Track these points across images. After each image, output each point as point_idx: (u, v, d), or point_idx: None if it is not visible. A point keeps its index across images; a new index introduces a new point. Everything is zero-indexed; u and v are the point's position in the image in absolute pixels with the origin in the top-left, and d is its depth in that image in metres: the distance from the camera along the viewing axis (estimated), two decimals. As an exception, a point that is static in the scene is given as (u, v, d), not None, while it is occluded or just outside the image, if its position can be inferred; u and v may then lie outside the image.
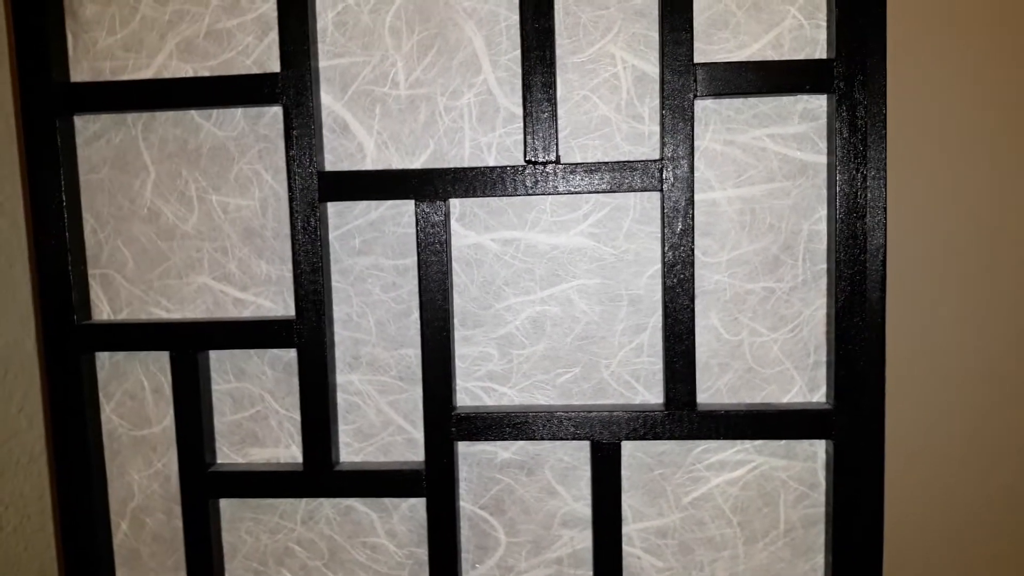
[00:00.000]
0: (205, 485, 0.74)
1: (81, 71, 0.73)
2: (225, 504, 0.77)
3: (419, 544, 0.75)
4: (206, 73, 0.72)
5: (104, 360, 0.76)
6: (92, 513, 0.75)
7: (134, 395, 0.76)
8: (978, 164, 0.73)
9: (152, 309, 0.75)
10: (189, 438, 0.74)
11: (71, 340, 0.73)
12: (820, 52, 0.68)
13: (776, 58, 0.68)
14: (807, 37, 0.68)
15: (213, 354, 0.75)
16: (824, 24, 0.68)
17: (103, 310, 0.75)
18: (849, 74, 0.66)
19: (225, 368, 0.75)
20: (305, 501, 0.76)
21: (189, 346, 0.72)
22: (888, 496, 0.69)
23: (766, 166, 0.70)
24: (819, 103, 0.69)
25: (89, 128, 0.74)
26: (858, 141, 0.66)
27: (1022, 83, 0.72)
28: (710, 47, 0.69)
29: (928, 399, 0.75)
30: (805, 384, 0.71)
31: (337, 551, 0.76)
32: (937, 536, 0.77)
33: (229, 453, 0.76)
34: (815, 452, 0.72)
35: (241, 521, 0.77)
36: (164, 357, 0.75)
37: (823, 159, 0.69)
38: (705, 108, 0.69)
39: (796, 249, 0.70)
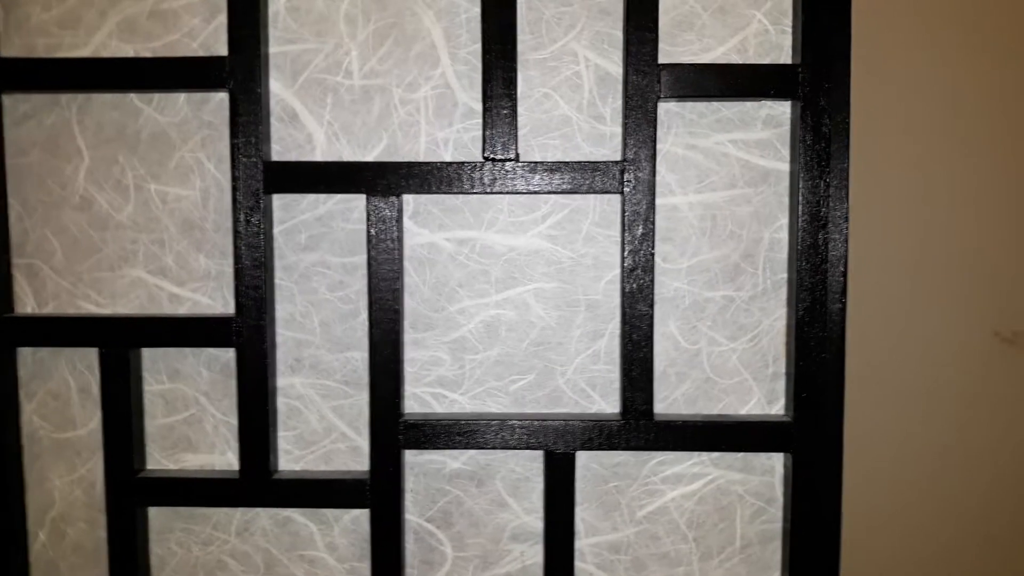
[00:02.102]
0: (133, 492, 0.69)
1: (11, 47, 0.68)
2: (154, 513, 0.72)
3: (361, 559, 0.71)
4: (148, 55, 0.68)
5: (27, 357, 0.71)
6: (7, 522, 0.70)
7: (58, 395, 0.71)
8: (942, 175, 0.73)
9: (81, 303, 0.70)
10: (117, 442, 0.69)
11: (-10, 334, 0.68)
12: (785, 58, 0.67)
13: (741, 62, 0.67)
14: (772, 42, 0.67)
15: (146, 352, 0.70)
16: (790, 30, 0.67)
17: (27, 303, 0.70)
18: (814, 80, 0.65)
19: (158, 368, 0.71)
20: (241, 511, 0.71)
21: (120, 343, 0.68)
22: (845, 512, 0.68)
23: (728, 172, 0.68)
24: (783, 109, 0.68)
25: (18, 108, 0.69)
26: (822, 149, 0.65)
27: (988, 92, 0.72)
28: (674, 48, 0.67)
29: (888, 413, 0.74)
30: (763, 396, 0.70)
31: (273, 565, 0.72)
32: (896, 552, 0.76)
33: (160, 459, 0.72)
34: (773, 466, 0.70)
35: (171, 532, 0.72)
36: (92, 354, 0.70)
37: (785, 167, 0.68)
38: (668, 111, 0.68)
39: (757, 257, 0.69)
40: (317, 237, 0.69)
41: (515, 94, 0.65)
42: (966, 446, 0.75)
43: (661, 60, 0.66)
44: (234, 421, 0.70)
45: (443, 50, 0.68)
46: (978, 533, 0.76)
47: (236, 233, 0.66)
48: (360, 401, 0.70)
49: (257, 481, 0.69)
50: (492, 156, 0.66)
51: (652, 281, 0.66)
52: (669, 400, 0.70)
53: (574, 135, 0.68)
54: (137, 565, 0.70)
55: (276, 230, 0.69)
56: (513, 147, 0.66)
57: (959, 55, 0.72)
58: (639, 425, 0.67)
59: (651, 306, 0.66)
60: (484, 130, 0.66)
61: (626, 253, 0.66)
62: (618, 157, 0.68)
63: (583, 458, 0.70)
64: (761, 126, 0.68)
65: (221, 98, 0.68)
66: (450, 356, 0.70)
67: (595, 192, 0.66)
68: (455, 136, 0.68)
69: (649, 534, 0.71)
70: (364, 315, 0.69)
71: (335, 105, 0.68)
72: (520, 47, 0.67)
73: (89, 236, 0.70)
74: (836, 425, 0.67)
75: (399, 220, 0.67)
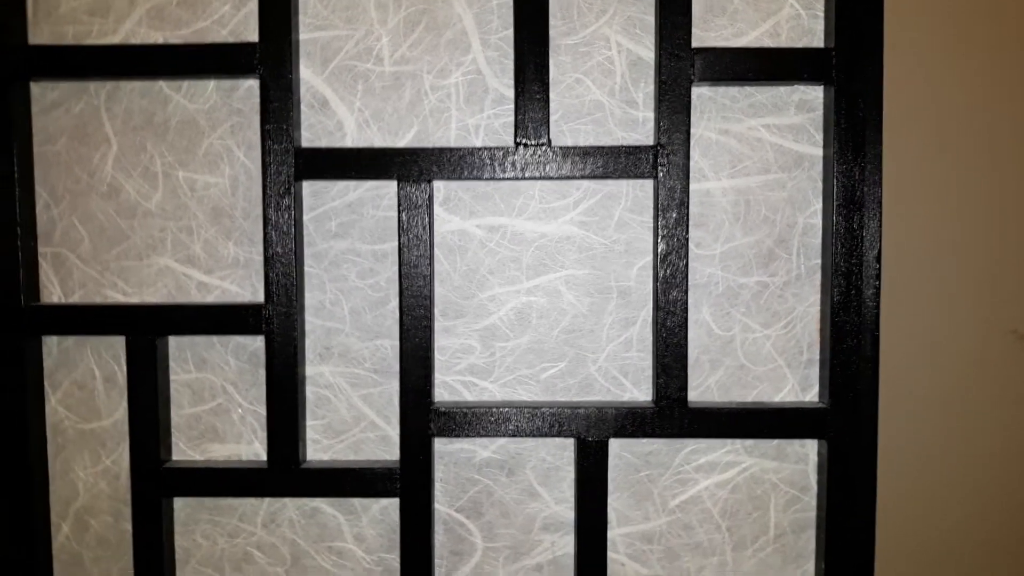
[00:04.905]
0: (159, 483, 0.68)
1: (41, 35, 0.68)
2: (180, 504, 0.71)
3: (389, 550, 0.70)
4: (178, 42, 0.68)
5: (52, 346, 0.70)
6: (30, 514, 0.69)
7: (84, 385, 0.70)
8: (977, 159, 0.72)
9: (108, 292, 0.70)
10: (143, 432, 0.68)
11: (17, 323, 0.67)
12: (817, 42, 0.67)
13: (773, 46, 0.67)
14: (804, 27, 0.67)
15: (172, 342, 0.70)
16: (822, 14, 0.67)
17: (53, 292, 0.70)
18: (848, 64, 0.65)
19: (185, 357, 0.70)
20: (268, 502, 0.71)
21: (147, 331, 0.67)
22: (880, 500, 0.67)
23: (761, 157, 0.68)
24: (815, 94, 0.68)
25: (47, 96, 0.69)
26: (856, 133, 0.65)
27: (1023, 76, 0.72)
28: (706, 33, 0.67)
29: (923, 399, 0.74)
30: (797, 383, 0.69)
31: (300, 557, 0.71)
32: (930, 540, 0.75)
33: (186, 449, 0.71)
34: (807, 454, 0.69)
35: (196, 523, 0.71)
36: (118, 344, 0.69)
37: (819, 151, 0.68)
38: (700, 96, 0.68)
39: (790, 243, 0.68)
40: (347, 224, 0.68)
41: (547, 79, 0.65)
42: (1005, 433, 0.74)
43: (694, 45, 0.66)
44: (261, 410, 0.70)
45: (474, 36, 0.67)
46: (1012, 523, 0.75)
47: (266, 220, 0.66)
48: (390, 389, 0.69)
49: (285, 471, 0.68)
50: (524, 141, 0.65)
51: (686, 267, 0.65)
52: (702, 388, 0.69)
53: (606, 120, 0.68)
54: (162, 558, 0.69)
55: (306, 217, 0.68)
56: (545, 132, 0.65)
57: (993, 41, 0.71)
58: (673, 412, 0.66)
59: (685, 292, 0.66)
60: (516, 115, 0.65)
61: (659, 239, 0.65)
62: (651, 142, 0.67)
63: (614, 447, 0.69)
64: (794, 111, 0.68)
65: (250, 85, 0.68)
66: (481, 344, 0.69)
67: (628, 177, 0.65)
68: (486, 122, 0.68)
69: (682, 524, 0.70)
70: (394, 303, 0.69)
71: (365, 92, 0.68)
72: (551, 32, 0.67)
73: (117, 224, 0.69)
74: (871, 411, 0.66)
75: (430, 206, 0.66)
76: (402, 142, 0.68)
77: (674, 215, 0.65)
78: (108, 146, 0.69)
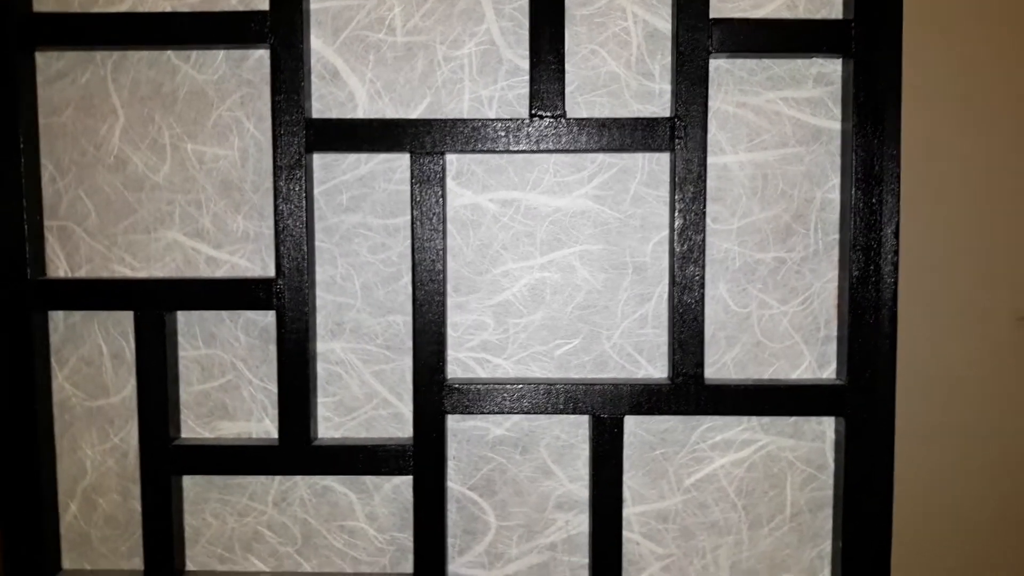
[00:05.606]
0: (167, 461, 0.67)
1: (46, 2, 0.66)
2: (189, 483, 0.70)
3: (402, 528, 0.70)
4: (186, 11, 0.66)
5: (59, 321, 0.69)
6: (38, 493, 0.68)
7: (91, 361, 0.69)
8: (996, 132, 0.72)
9: (115, 266, 0.69)
10: (151, 409, 0.67)
11: (22, 297, 0.66)
12: (836, 14, 0.66)
13: (791, 18, 0.66)
14: (823, -1, 0.66)
15: (181, 318, 0.69)
16: (842, -15, 0.66)
17: (60, 266, 0.69)
18: (867, 36, 0.64)
19: (194, 333, 0.69)
20: (278, 480, 0.70)
21: (156, 306, 0.66)
22: (897, 477, 0.66)
23: (779, 130, 0.67)
24: (833, 67, 0.67)
25: (52, 66, 0.67)
26: (875, 106, 0.64)
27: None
28: (724, 4, 0.66)
29: (940, 376, 0.73)
30: (815, 360, 0.68)
31: (311, 536, 0.70)
32: (949, 519, 0.74)
33: (195, 427, 0.70)
34: (823, 431, 0.69)
35: (206, 502, 0.70)
36: (126, 319, 0.68)
37: (837, 125, 0.67)
38: (718, 68, 0.66)
39: (808, 218, 0.67)
40: (358, 198, 0.67)
41: (562, 50, 0.64)
42: (1019, 414, 0.74)
43: (711, 16, 0.65)
44: (271, 387, 0.69)
45: (488, 6, 0.66)
46: (1028, 503, 0.74)
47: (276, 193, 0.64)
48: (402, 366, 0.68)
49: (297, 449, 0.67)
50: (539, 113, 0.64)
51: (703, 241, 0.64)
52: (718, 365, 0.68)
53: (622, 92, 0.66)
54: (171, 537, 0.68)
55: (316, 191, 0.67)
56: (560, 104, 0.64)
57: (1014, 12, 0.70)
58: (689, 389, 0.66)
59: (702, 267, 0.65)
60: (531, 86, 0.64)
61: (676, 213, 0.64)
62: (667, 114, 0.66)
63: (629, 424, 0.69)
64: (812, 84, 0.67)
65: (260, 55, 0.67)
66: (494, 320, 0.68)
67: (645, 150, 0.64)
68: (499, 94, 0.67)
69: (697, 502, 0.69)
70: (406, 278, 0.68)
71: (377, 63, 0.67)
72: (566, 2, 0.66)
73: (124, 197, 0.68)
74: (889, 388, 0.65)
75: (443, 180, 0.65)
76: (414, 113, 0.67)
77: (691, 189, 0.64)
78: (115, 117, 0.67)
